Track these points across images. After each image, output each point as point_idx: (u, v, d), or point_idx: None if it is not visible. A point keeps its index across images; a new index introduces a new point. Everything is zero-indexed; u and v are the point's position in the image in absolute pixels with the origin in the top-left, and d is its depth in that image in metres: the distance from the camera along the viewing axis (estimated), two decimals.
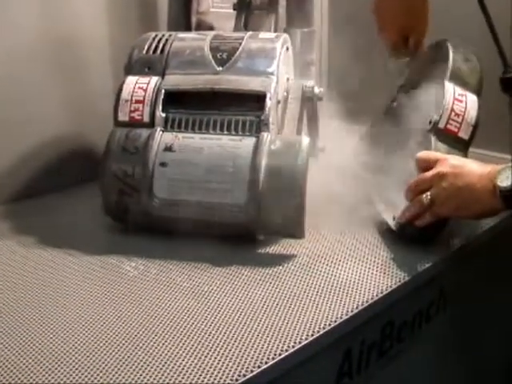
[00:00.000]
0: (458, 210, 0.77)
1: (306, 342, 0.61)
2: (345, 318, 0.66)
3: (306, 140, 0.79)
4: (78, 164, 1.04)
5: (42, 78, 0.98)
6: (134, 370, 0.56)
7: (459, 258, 0.83)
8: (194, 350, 0.59)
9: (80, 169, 1.03)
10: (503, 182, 0.72)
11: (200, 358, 0.58)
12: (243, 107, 0.80)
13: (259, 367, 0.57)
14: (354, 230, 0.86)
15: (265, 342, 0.60)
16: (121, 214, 0.82)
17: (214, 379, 0.55)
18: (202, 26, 1.09)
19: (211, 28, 1.09)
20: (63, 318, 0.65)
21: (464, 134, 0.86)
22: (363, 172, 0.97)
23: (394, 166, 0.87)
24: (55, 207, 0.95)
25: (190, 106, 0.82)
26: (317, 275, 0.74)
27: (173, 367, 0.57)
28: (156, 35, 0.88)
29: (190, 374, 0.56)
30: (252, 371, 0.57)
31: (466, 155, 0.86)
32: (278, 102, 0.83)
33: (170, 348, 0.59)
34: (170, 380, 0.55)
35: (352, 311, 0.67)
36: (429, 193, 0.78)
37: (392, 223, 0.84)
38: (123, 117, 0.82)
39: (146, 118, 0.82)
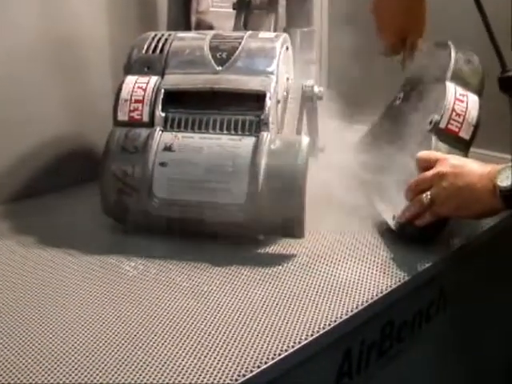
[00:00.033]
0: (458, 209, 0.77)
1: (306, 341, 0.61)
2: (344, 317, 0.66)
3: (305, 140, 0.79)
4: (77, 164, 1.04)
5: (41, 78, 0.98)
6: (133, 369, 0.56)
7: (459, 258, 0.82)
8: (194, 350, 0.59)
9: (79, 169, 1.03)
10: (503, 182, 0.72)
11: (200, 357, 0.58)
12: (243, 107, 0.80)
13: (259, 367, 0.57)
14: (354, 230, 0.86)
15: (264, 341, 0.60)
16: (120, 214, 0.82)
17: (214, 379, 0.55)
18: (202, 26, 1.09)
19: (211, 27, 1.09)
20: (63, 318, 0.65)
21: (465, 134, 0.86)
22: (363, 172, 0.97)
23: (394, 166, 0.87)
24: (55, 207, 0.95)
25: (190, 105, 0.82)
26: (316, 275, 0.74)
27: (172, 367, 0.57)
28: (155, 35, 0.88)
29: (190, 374, 0.56)
30: (252, 371, 0.56)
31: (466, 155, 0.86)
32: (278, 102, 0.83)
33: (170, 348, 0.59)
34: (170, 380, 0.55)
35: (352, 311, 0.67)
36: (429, 192, 0.78)
37: (392, 223, 0.83)
38: (123, 116, 0.82)
39: (146, 118, 0.82)
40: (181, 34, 0.88)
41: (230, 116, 0.80)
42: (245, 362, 0.57)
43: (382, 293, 0.70)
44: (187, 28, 1.09)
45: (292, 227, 0.78)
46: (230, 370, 0.56)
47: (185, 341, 0.60)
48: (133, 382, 0.55)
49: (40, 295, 0.69)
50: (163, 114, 0.81)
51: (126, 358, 0.58)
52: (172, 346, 0.60)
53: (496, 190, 0.72)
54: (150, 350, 0.59)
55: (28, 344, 0.60)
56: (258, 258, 0.78)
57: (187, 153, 0.78)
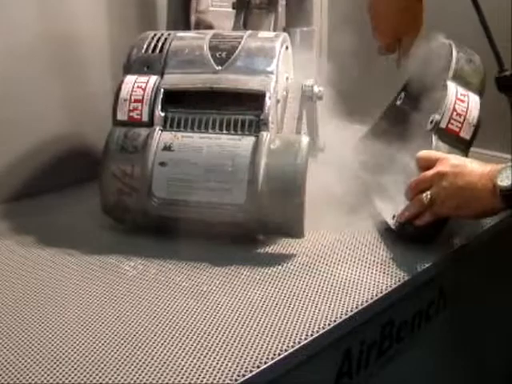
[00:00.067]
0: (458, 209, 0.77)
1: (306, 341, 0.61)
2: (344, 317, 0.65)
3: (305, 139, 0.79)
4: (76, 163, 1.04)
5: (40, 77, 0.98)
6: (132, 369, 0.56)
7: (459, 258, 0.82)
8: (193, 350, 0.59)
9: (79, 168, 1.03)
10: (503, 182, 0.72)
11: (199, 357, 0.58)
12: (242, 106, 0.80)
13: (258, 367, 0.57)
14: (354, 230, 0.86)
15: (264, 341, 0.60)
16: (120, 214, 0.82)
17: (214, 379, 0.55)
18: (201, 25, 1.09)
19: (210, 27, 1.09)
20: (62, 318, 0.65)
21: (465, 134, 0.86)
22: (363, 171, 0.97)
23: (394, 166, 0.87)
24: (54, 207, 0.95)
25: (189, 105, 0.81)
26: (316, 275, 0.74)
27: (172, 367, 0.56)
28: (155, 34, 0.88)
29: (189, 374, 0.56)
30: (251, 371, 0.56)
31: (466, 155, 0.86)
32: (278, 102, 0.82)
33: (169, 348, 0.59)
34: (169, 380, 0.55)
35: (351, 311, 0.67)
36: (429, 192, 0.78)
37: (391, 222, 0.83)
38: (122, 116, 0.82)
39: (145, 118, 0.82)
40: (180, 34, 0.88)
41: (230, 116, 0.80)
42: (244, 362, 0.57)
43: (381, 293, 0.70)
44: (187, 27, 1.09)
45: (292, 227, 0.78)
46: (229, 370, 0.56)
47: (184, 341, 0.60)
48: (132, 382, 0.55)
49: (39, 295, 0.69)
50: (163, 114, 0.81)
51: (126, 358, 0.58)
52: (171, 345, 0.60)
53: (496, 190, 0.72)
54: (150, 350, 0.59)
55: (27, 344, 0.60)
56: (258, 257, 0.78)
57: (187, 152, 0.78)
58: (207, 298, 0.68)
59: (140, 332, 0.62)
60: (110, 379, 0.55)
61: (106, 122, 0.83)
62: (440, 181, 0.77)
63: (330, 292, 0.70)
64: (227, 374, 0.56)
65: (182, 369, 0.56)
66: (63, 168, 1.03)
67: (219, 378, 0.55)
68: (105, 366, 0.57)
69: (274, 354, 0.59)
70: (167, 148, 0.79)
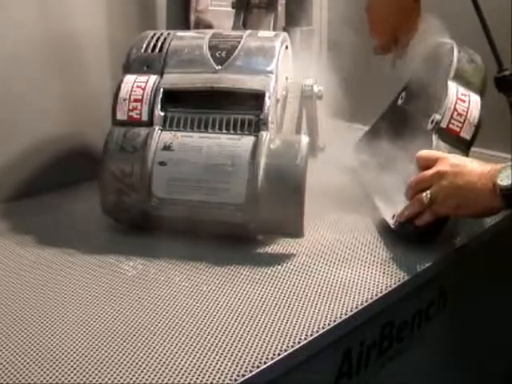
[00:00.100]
0: (458, 208, 0.77)
1: (305, 341, 0.61)
2: (344, 317, 0.65)
3: (305, 139, 0.79)
4: (76, 163, 1.04)
5: (40, 77, 0.98)
6: (132, 369, 0.56)
7: (459, 258, 0.82)
8: (193, 350, 0.59)
9: (78, 168, 1.03)
10: (503, 181, 0.72)
11: (199, 357, 0.58)
12: (242, 106, 0.80)
13: (258, 367, 0.57)
14: (354, 230, 0.85)
15: (264, 341, 0.60)
16: (119, 214, 0.82)
17: (213, 379, 0.55)
18: (201, 25, 1.09)
19: (210, 26, 1.09)
20: (61, 318, 0.65)
21: (466, 134, 0.86)
22: (363, 171, 0.97)
23: (394, 165, 0.87)
24: (54, 206, 0.94)
25: (189, 104, 0.81)
26: (316, 275, 0.73)
27: (171, 367, 0.56)
28: (154, 34, 0.88)
29: (189, 373, 0.56)
30: (251, 371, 0.56)
31: (467, 155, 0.86)
32: (277, 101, 0.82)
33: (169, 348, 0.59)
34: (169, 380, 0.55)
35: (351, 311, 0.66)
36: (429, 191, 0.78)
37: (391, 222, 0.83)
38: (121, 116, 0.82)
39: (145, 117, 0.81)
40: (180, 33, 0.88)
41: (230, 115, 0.80)
42: (244, 362, 0.57)
43: (381, 293, 0.70)
44: (186, 27, 1.09)
45: (291, 227, 0.78)
46: (229, 370, 0.56)
47: (184, 341, 0.60)
48: (132, 382, 0.55)
49: (39, 295, 0.69)
50: (162, 114, 0.81)
51: (125, 358, 0.58)
52: (171, 345, 0.60)
53: (496, 189, 0.72)
54: (149, 350, 0.59)
55: (26, 344, 0.60)
56: (257, 257, 0.78)
57: (186, 152, 0.78)
58: (207, 298, 0.68)
59: (139, 332, 0.62)
60: (109, 379, 0.55)
61: (105, 121, 0.83)
62: (440, 180, 0.77)
63: (329, 292, 0.70)
64: (227, 374, 0.56)
65: (181, 369, 0.56)
66: (63, 167, 1.03)
67: (219, 378, 0.55)
68: (104, 365, 0.57)
69: (274, 354, 0.58)
70: (167, 148, 0.79)
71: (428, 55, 1.00)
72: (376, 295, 0.69)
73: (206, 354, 0.58)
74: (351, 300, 0.68)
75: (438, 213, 0.78)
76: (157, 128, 0.80)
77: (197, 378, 0.55)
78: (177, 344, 0.60)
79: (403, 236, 0.81)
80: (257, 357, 0.58)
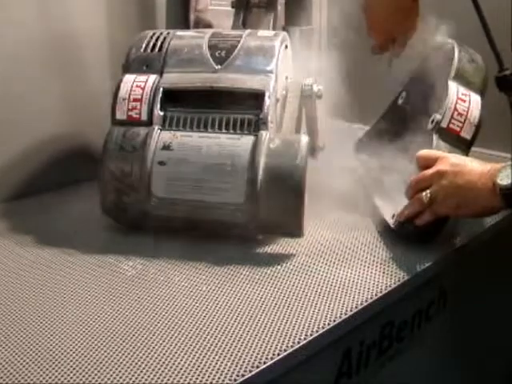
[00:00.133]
0: (458, 208, 0.77)
1: (305, 341, 0.61)
2: (344, 317, 0.65)
3: (305, 139, 0.79)
4: (75, 163, 1.04)
5: (39, 76, 0.98)
6: (131, 369, 0.56)
7: (459, 258, 0.82)
8: (193, 350, 0.59)
9: (78, 168, 1.03)
10: (503, 181, 0.72)
11: (198, 357, 0.58)
12: (242, 106, 0.80)
13: (258, 367, 0.57)
14: (353, 229, 0.85)
15: (263, 341, 0.60)
16: (119, 213, 0.82)
17: (213, 379, 0.55)
18: (201, 24, 1.09)
19: (210, 26, 1.09)
20: (60, 318, 0.64)
21: (466, 134, 0.86)
22: (363, 170, 0.97)
23: (394, 165, 0.87)
24: (53, 206, 0.94)
25: (188, 104, 0.81)
26: (316, 275, 0.73)
27: (171, 367, 0.56)
28: (154, 33, 0.88)
29: (189, 373, 0.55)
30: (251, 371, 0.56)
31: (467, 155, 0.86)
32: (277, 101, 0.82)
33: (168, 348, 0.59)
34: (168, 380, 0.55)
35: (351, 311, 0.66)
36: (428, 191, 0.78)
37: (391, 222, 0.83)
38: (121, 115, 0.82)
39: (144, 117, 0.81)
40: (179, 33, 0.88)
41: (229, 115, 0.79)
42: (244, 362, 0.57)
43: (381, 292, 0.70)
44: (186, 26, 1.09)
45: (291, 227, 0.78)
46: (228, 370, 0.56)
47: (183, 341, 0.60)
48: (131, 382, 0.54)
49: (38, 294, 0.69)
50: (162, 113, 0.81)
51: (125, 358, 0.58)
52: (170, 345, 0.59)
53: (496, 189, 0.72)
54: (149, 350, 0.59)
55: (26, 344, 0.60)
56: (257, 257, 0.78)
57: (186, 152, 0.78)
58: (206, 298, 0.68)
59: (139, 332, 0.62)
60: (108, 379, 0.55)
61: (105, 121, 0.83)
62: (440, 180, 0.77)
63: (329, 292, 0.69)
64: (226, 374, 0.55)
65: (181, 369, 0.56)
66: (62, 167, 1.03)
67: (218, 378, 0.55)
68: (103, 365, 0.56)
69: (274, 354, 0.58)
70: (166, 147, 0.79)
71: (428, 55, 1.00)
72: (376, 295, 0.69)
73: (206, 353, 0.58)
74: (351, 300, 0.68)
75: (437, 212, 0.78)
76: (156, 128, 0.80)
77: (196, 378, 0.55)
78: (176, 344, 0.60)
79: (403, 236, 0.81)
80: (256, 357, 0.58)
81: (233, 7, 1.00)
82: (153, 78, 0.83)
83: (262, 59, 0.82)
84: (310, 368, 0.64)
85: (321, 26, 1.36)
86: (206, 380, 0.55)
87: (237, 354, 0.58)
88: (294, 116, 0.89)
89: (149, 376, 0.55)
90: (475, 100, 0.88)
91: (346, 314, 0.66)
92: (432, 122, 0.86)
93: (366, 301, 0.68)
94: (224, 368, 0.56)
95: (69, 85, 1.02)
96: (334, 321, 0.64)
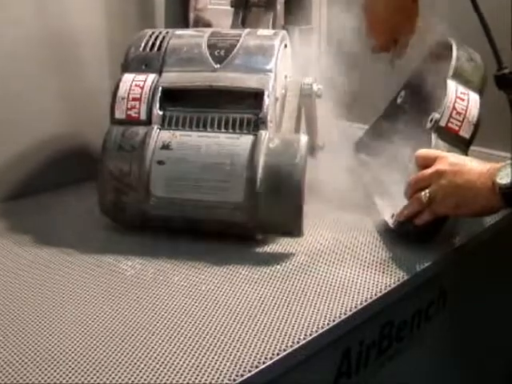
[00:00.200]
0: (457, 207, 0.77)
1: (305, 341, 0.61)
2: (343, 317, 0.65)
3: (304, 138, 0.79)
4: (74, 162, 1.03)
5: (38, 76, 0.98)
6: (130, 369, 0.56)
7: (459, 257, 0.82)
8: (192, 350, 0.59)
9: (77, 167, 1.02)
10: (503, 180, 0.72)
11: (197, 357, 0.57)
12: (241, 105, 0.80)
13: (257, 367, 0.57)
14: (353, 229, 0.85)
15: (263, 341, 0.60)
16: (118, 213, 0.82)
17: (212, 379, 0.55)
18: (200, 23, 1.09)
19: (209, 25, 1.09)
20: (59, 317, 0.64)
21: (465, 133, 0.86)
22: (363, 170, 0.97)
23: (394, 164, 0.87)
24: (52, 206, 0.94)
25: (188, 103, 0.81)
26: (315, 274, 0.73)
27: (170, 367, 0.56)
28: (153, 32, 0.88)
29: (188, 373, 0.55)
30: (250, 371, 0.56)
31: (466, 154, 0.86)
32: (276, 100, 0.82)
33: (167, 348, 0.59)
34: (168, 380, 0.55)
35: (351, 310, 0.66)
36: (428, 190, 0.78)
37: (391, 221, 0.83)
38: (120, 115, 0.82)
39: (143, 116, 0.81)
40: (178, 32, 0.88)
41: (228, 114, 0.79)
42: (243, 362, 0.57)
43: (381, 292, 0.70)
44: (185, 25, 1.09)
45: (290, 226, 0.77)
46: (228, 370, 0.56)
47: (182, 340, 0.60)
48: (130, 381, 0.54)
49: (36, 294, 0.69)
50: (161, 112, 0.81)
51: (123, 358, 0.57)
52: (170, 345, 0.59)
53: (495, 188, 0.72)
54: (148, 350, 0.59)
55: (24, 344, 0.60)
56: (256, 257, 0.78)
57: (185, 151, 0.78)
58: (205, 298, 0.68)
59: (138, 332, 0.62)
60: (107, 379, 0.55)
61: (104, 120, 0.83)
62: (439, 179, 0.77)
63: (328, 292, 0.69)
64: (226, 374, 0.55)
65: (180, 369, 0.56)
66: (61, 167, 1.02)
67: (218, 378, 0.55)
68: (102, 365, 0.56)
69: (273, 354, 0.58)
70: (165, 147, 0.78)
71: (427, 54, 1.00)
72: (375, 295, 0.69)
73: (205, 353, 0.58)
74: (350, 299, 0.68)
75: (437, 212, 0.78)
76: (155, 127, 0.80)
77: (195, 378, 0.55)
78: (175, 344, 0.60)
79: (402, 235, 0.81)
80: (256, 357, 0.58)
81: (232, 6, 1.00)
82: (152, 77, 0.83)
83: (261, 58, 0.82)
84: (310, 368, 0.64)
85: (320, 25, 1.36)
86: (206, 380, 0.55)
87: (236, 354, 0.58)
88: (293, 115, 0.89)
89: (148, 376, 0.55)
90: (474, 99, 0.87)
91: (345, 314, 0.65)
92: (431, 121, 0.86)
93: (366, 300, 0.68)
94: (223, 368, 0.56)
95: (67, 84, 1.02)
96: (334, 320, 0.64)
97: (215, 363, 0.57)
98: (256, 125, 0.78)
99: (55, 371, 0.56)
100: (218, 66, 0.82)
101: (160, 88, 0.81)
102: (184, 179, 0.77)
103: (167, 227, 0.80)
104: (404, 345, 0.80)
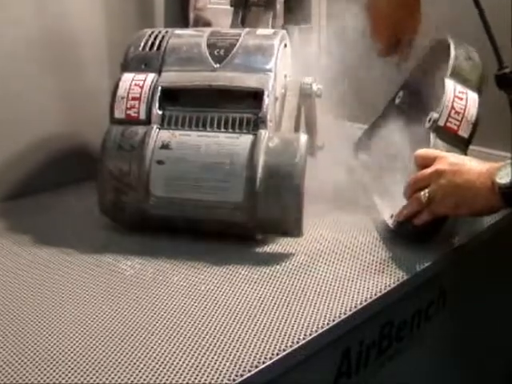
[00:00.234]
0: (457, 207, 0.77)
1: (304, 341, 0.61)
2: (343, 317, 0.65)
3: (303, 138, 0.78)
4: (74, 162, 1.03)
5: (37, 75, 0.98)
6: (129, 369, 0.56)
7: (459, 257, 0.82)
8: (191, 350, 0.58)
9: (76, 167, 1.02)
10: (503, 179, 0.71)
11: (197, 357, 0.57)
12: (241, 104, 0.80)
13: (257, 367, 0.57)
14: (353, 229, 0.85)
15: (262, 341, 0.60)
16: (117, 213, 0.82)
17: (212, 379, 0.55)
18: (200, 22, 1.09)
19: (209, 24, 1.09)
20: (58, 317, 0.64)
21: (464, 133, 0.86)
22: (362, 170, 0.97)
23: (393, 164, 0.86)
24: (51, 206, 0.94)
25: (187, 103, 0.81)
26: (315, 274, 0.73)
27: (169, 367, 0.56)
28: (152, 32, 0.87)
29: (187, 373, 0.55)
30: (250, 371, 0.56)
31: (465, 153, 0.86)
32: (276, 99, 0.82)
33: (167, 348, 0.59)
34: (167, 380, 0.54)
35: (350, 310, 0.66)
36: (427, 190, 0.78)
37: (390, 221, 0.83)
38: (119, 114, 0.82)
39: (143, 116, 0.81)
40: (178, 31, 0.88)
41: (228, 114, 0.79)
42: (243, 362, 0.57)
43: (380, 292, 0.70)
44: (185, 25, 1.09)
45: (290, 226, 0.77)
46: (227, 370, 0.56)
47: (182, 340, 0.60)
48: (129, 381, 0.54)
49: (36, 294, 0.69)
50: (160, 112, 0.81)
51: (123, 358, 0.57)
52: (169, 345, 0.59)
53: (495, 188, 0.72)
54: (147, 350, 0.58)
55: (24, 343, 0.60)
56: (256, 257, 0.78)
57: (184, 151, 0.78)
58: (205, 298, 0.68)
59: (137, 331, 0.61)
60: (106, 379, 0.54)
61: (103, 120, 0.83)
62: (438, 179, 0.77)
63: (328, 291, 0.69)
64: (225, 373, 0.55)
65: (179, 369, 0.56)
66: (61, 167, 1.02)
67: (217, 378, 0.55)
68: (102, 365, 0.56)
69: (273, 354, 0.58)
70: (165, 146, 0.78)
71: (425, 53, 1.00)
72: (375, 295, 0.69)
73: (205, 353, 0.58)
74: (350, 299, 0.68)
75: (436, 212, 0.78)
76: (155, 126, 0.80)
77: (195, 378, 0.55)
78: (175, 344, 0.59)
79: (402, 235, 0.81)
80: (255, 357, 0.57)
81: (232, 6, 0.99)
82: (151, 76, 0.83)
83: (260, 58, 0.82)
84: (310, 368, 0.64)
85: (320, 24, 1.36)
86: (205, 380, 0.54)
87: (236, 354, 0.58)
88: (292, 115, 0.89)
89: (147, 376, 0.55)
90: (472, 98, 0.87)
91: (345, 314, 0.65)
92: (429, 120, 0.86)
93: (366, 300, 0.68)
94: (223, 368, 0.56)
95: (67, 83, 1.02)
96: (334, 320, 0.64)
97: (215, 363, 0.57)
98: (256, 124, 0.78)
99: (54, 371, 0.56)
100: (218, 65, 0.82)
101: (159, 87, 0.81)
102: (183, 179, 0.77)
103: (167, 227, 0.80)
104: (404, 345, 0.80)
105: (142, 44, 0.86)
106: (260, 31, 0.87)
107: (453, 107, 0.85)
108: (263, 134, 0.77)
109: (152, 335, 0.61)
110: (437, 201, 0.77)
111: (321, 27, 1.25)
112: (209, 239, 0.79)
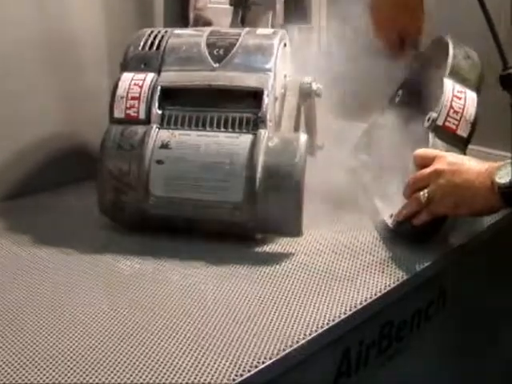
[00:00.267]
0: (456, 207, 0.77)
1: (304, 341, 0.61)
2: (343, 317, 0.65)
3: (303, 137, 0.78)
4: (73, 162, 1.03)
5: (37, 75, 0.98)
6: (129, 369, 0.56)
7: (459, 257, 0.82)
8: (191, 350, 0.58)
9: (76, 167, 1.02)
10: (502, 179, 0.71)
11: (197, 357, 0.57)
12: (240, 104, 0.80)
13: (256, 367, 0.56)
14: (352, 229, 0.85)
15: (262, 341, 0.60)
16: (117, 213, 0.82)
17: (211, 379, 0.54)
18: (200, 22, 1.09)
19: (209, 24, 1.09)
20: (58, 317, 0.64)
21: (462, 132, 0.86)
22: (362, 170, 0.96)
23: (392, 164, 0.86)
24: (51, 205, 0.94)
25: (187, 102, 0.81)
26: (315, 274, 0.73)
27: (169, 367, 0.56)
28: (152, 31, 0.87)
29: (187, 373, 0.55)
30: (249, 371, 0.56)
31: (464, 153, 0.86)
32: (276, 99, 0.82)
33: (166, 347, 0.59)
34: (167, 380, 0.54)
35: (350, 310, 0.66)
36: (426, 190, 0.78)
37: (389, 221, 0.83)
38: (119, 114, 0.82)
39: (142, 115, 0.81)
40: (177, 31, 0.88)
41: (228, 113, 0.79)
42: (242, 362, 0.57)
43: (380, 292, 0.70)
44: (185, 24, 1.09)
45: (290, 226, 0.77)
46: (227, 370, 0.56)
47: (181, 340, 0.60)
48: (129, 381, 0.54)
49: (35, 294, 0.69)
50: (160, 112, 0.81)
51: (122, 358, 0.57)
52: (168, 345, 0.59)
53: (494, 187, 0.72)
54: (147, 350, 0.58)
55: (23, 343, 0.60)
56: (256, 256, 0.78)
57: (184, 150, 0.78)
58: (204, 298, 0.68)
59: (137, 331, 0.61)
60: (106, 379, 0.54)
61: (102, 119, 0.83)
62: (437, 179, 0.77)
63: (328, 291, 0.69)
64: (225, 373, 0.55)
65: (179, 368, 0.56)
66: (60, 166, 1.02)
67: (217, 378, 0.55)
68: (101, 365, 0.56)
69: (273, 354, 0.58)
70: (164, 146, 0.78)
71: (424, 52, 0.99)
72: (375, 294, 0.69)
73: (204, 353, 0.58)
74: (350, 299, 0.68)
75: (435, 212, 0.78)
76: (154, 126, 0.80)
77: (194, 378, 0.54)
78: (174, 343, 0.59)
79: (401, 235, 0.81)
80: (255, 356, 0.57)
81: (231, 5, 1.00)
82: (151, 76, 0.83)
83: (260, 57, 0.82)
84: (309, 368, 0.64)
85: (320, 24, 1.36)
86: (205, 380, 0.54)
87: (235, 354, 0.58)
88: (292, 114, 0.89)
89: (147, 376, 0.55)
90: (471, 97, 0.87)
91: (345, 314, 0.65)
92: (428, 120, 0.86)
93: (366, 300, 0.68)
94: (222, 368, 0.56)
95: (66, 83, 1.02)
96: (333, 320, 0.64)
97: (214, 363, 0.56)
98: (255, 124, 0.78)
99: (54, 371, 0.55)
100: (217, 65, 0.82)
101: (159, 87, 0.81)
102: (183, 178, 0.77)
103: (166, 227, 0.80)
104: (404, 345, 0.79)
105: (142, 44, 0.86)
106: (260, 31, 0.87)
107: (451, 107, 0.85)
108: (263, 133, 0.77)
109: (151, 335, 0.61)
110: (436, 201, 0.77)
111: (321, 27, 1.25)
112: (208, 239, 0.79)
